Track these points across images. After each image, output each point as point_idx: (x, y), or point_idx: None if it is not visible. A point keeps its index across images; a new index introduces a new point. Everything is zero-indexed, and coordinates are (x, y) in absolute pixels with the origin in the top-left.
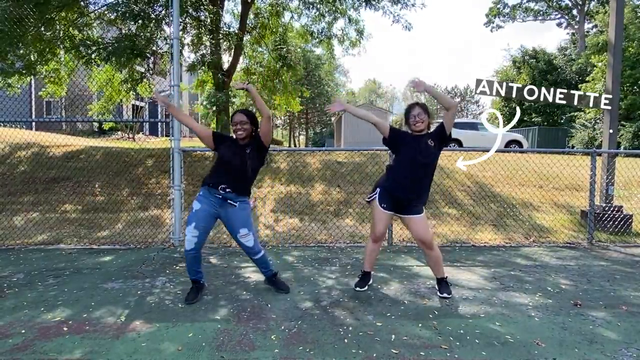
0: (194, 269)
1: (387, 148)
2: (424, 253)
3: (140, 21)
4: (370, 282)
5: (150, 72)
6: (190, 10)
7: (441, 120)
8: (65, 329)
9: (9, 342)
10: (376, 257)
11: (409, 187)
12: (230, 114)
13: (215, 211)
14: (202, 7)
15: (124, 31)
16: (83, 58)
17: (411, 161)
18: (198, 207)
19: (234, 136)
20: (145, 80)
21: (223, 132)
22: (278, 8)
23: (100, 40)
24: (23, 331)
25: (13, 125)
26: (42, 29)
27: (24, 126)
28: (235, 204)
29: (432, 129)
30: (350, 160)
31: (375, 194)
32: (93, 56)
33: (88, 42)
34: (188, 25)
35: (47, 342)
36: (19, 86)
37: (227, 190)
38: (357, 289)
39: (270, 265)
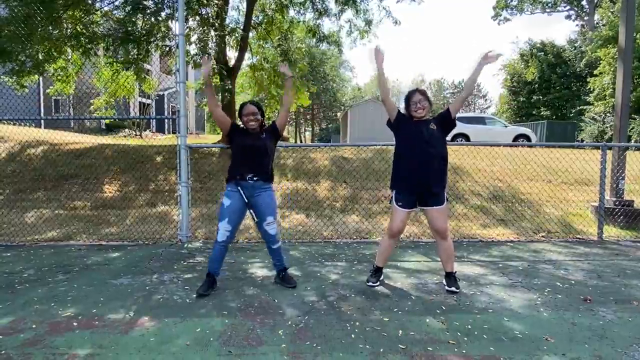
0: (218, 261)
1: (391, 143)
2: (436, 243)
3: (144, 15)
4: (381, 277)
5: (141, 57)
6: (195, 6)
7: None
8: (75, 324)
9: (21, 336)
10: (390, 253)
11: (420, 181)
12: (239, 106)
13: (245, 202)
14: (207, 1)
15: (131, 25)
16: (82, 46)
17: (414, 147)
18: (228, 203)
19: (245, 127)
20: (136, 67)
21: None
22: (284, 1)
23: (105, 34)
24: (34, 326)
25: (23, 124)
26: (50, 27)
27: (33, 124)
28: (264, 190)
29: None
30: (356, 156)
31: (392, 196)
32: (92, 46)
33: (90, 37)
34: (191, 20)
35: (58, 337)
36: (27, 85)
37: (255, 179)
38: (370, 284)
39: (283, 259)
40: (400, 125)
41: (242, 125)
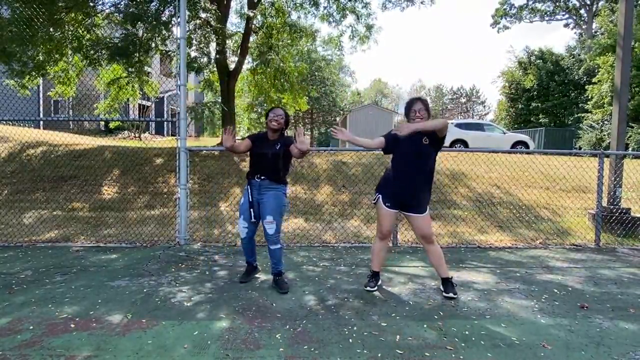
0: (248, 254)
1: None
2: (425, 250)
3: (144, 23)
4: (380, 282)
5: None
6: (197, 10)
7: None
8: (72, 325)
9: (18, 337)
10: (384, 256)
11: (404, 187)
12: (266, 110)
13: (256, 199)
14: (207, 8)
15: (130, 30)
16: (88, 58)
17: (403, 157)
18: (242, 201)
19: (267, 129)
20: (147, 78)
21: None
22: (283, 6)
23: (106, 39)
24: (31, 327)
25: (22, 124)
26: (51, 29)
27: (32, 125)
28: (271, 190)
29: None
30: (356, 161)
31: (378, 196)
32: (97, 56)
33: (93, 42)
34: (193, 24)
35: (55, 339)
36: (29, 87)
37: (262, 178)
38: (368, 289)
39: (280, 264)
40: (393, 144)
41: (260, 133)
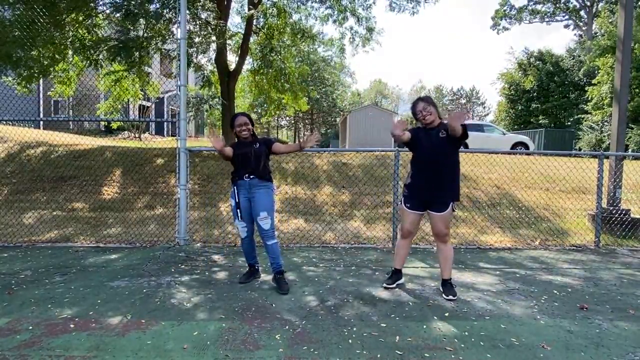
0: (249, 255)
1: (395, 149)
2: (436, 246)
3: (145, 20)
4: (401, 281)
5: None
6: (198, 11)
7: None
8: (72, 326)
9: (17, 338)
10: (405, 254)
11: (426, 186)
12: (231, 117)
13: (247, 198)
14: (207, 8)
15: (131, 31)
16: (89, 59)
17: (423, 156)
18: (233, 203)
19: (240, 137)
20: (148, 79)
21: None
22: (285, 7)
23: (106, 38)
24: (30, 327)
25: (22, 124)
26: (52, 30)
27: (32, 125)
28: (261, 188)
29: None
30: (355, 161)
31: (402, 198)
32: (100, 57)
33: (93, 43)
34: (193, 24)
35: (54, 339)
36: (29, 87)
37: (251, 177)
38: (385, 285)
39: (280, 259)
40: (413, 140)
41: (237, 139)
